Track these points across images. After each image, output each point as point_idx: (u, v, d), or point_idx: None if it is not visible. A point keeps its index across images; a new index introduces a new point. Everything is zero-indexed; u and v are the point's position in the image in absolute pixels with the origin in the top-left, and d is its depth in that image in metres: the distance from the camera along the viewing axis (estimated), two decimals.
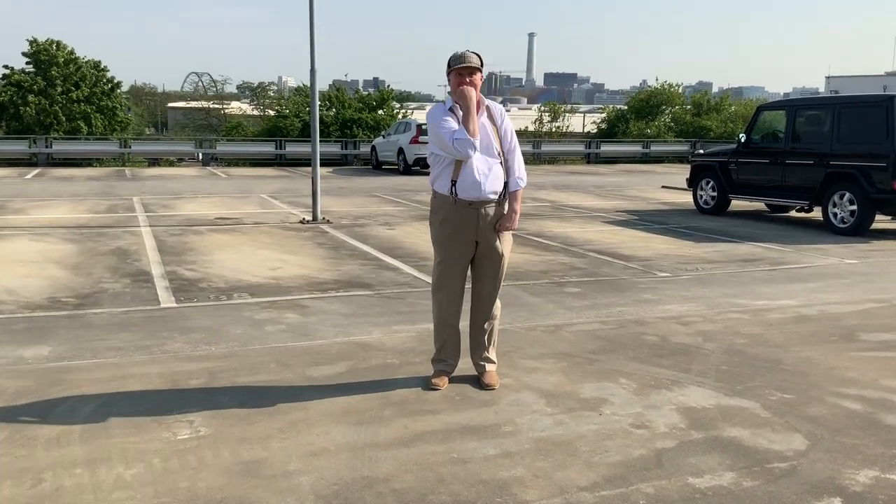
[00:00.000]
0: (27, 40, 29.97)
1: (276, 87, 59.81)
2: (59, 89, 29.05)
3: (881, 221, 10.93)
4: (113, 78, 31.70)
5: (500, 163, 4.15)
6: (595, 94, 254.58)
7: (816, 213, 11.48)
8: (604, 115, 37.03)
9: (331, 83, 37.70)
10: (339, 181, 19.26)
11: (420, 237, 9.52)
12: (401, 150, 21.76)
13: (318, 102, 11.60)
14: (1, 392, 4.11)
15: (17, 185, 17.31)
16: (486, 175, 4.09)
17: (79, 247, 8.75)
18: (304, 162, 23.97)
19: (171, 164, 27.63)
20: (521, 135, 32.05)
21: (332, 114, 28.90)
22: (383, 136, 24.12)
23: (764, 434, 3.68)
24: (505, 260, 4.27)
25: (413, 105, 42.71)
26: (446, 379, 4.32)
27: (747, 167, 12.28)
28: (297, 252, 8.65)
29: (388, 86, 33.63)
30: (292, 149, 26.25)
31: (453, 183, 4.08)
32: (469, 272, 4.32)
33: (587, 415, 3.89)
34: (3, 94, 29.12)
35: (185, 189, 16.63)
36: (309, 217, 11.37)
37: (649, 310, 6.14)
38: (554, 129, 33.86)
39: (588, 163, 29.00)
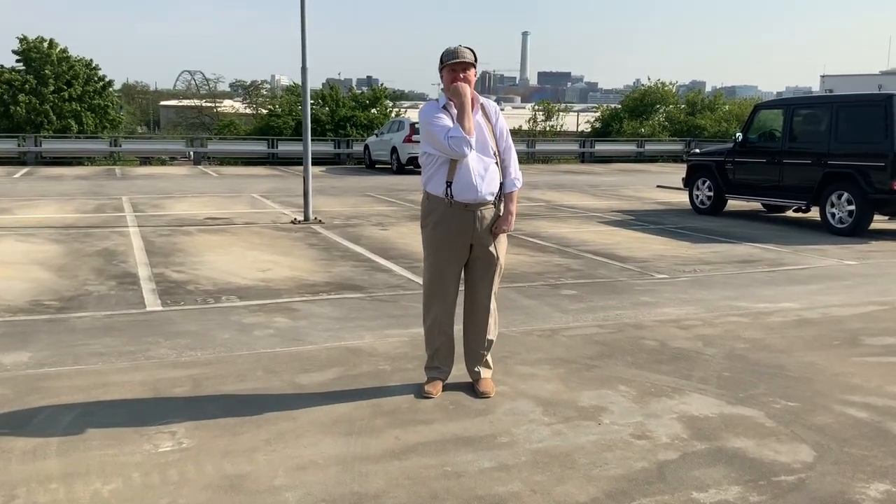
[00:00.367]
0: (17, 38, 29.72)
1: (268, 86, 59.55)
2: (52, 88, 28.79)
3: (879, 221, 10.82)
4: (104, 76, 31.49)
5: (496, 162, 4.01)
6: (589, 93, 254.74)
7: (813, 214, 11.37)
8: (598, 114, 36.91)
9: (324, 81, 37.52)
10: (331, 180, 19.09)
11: (414, 238, 9.37)
12: (394, 150, 21.61)
13: (310, 101, 11.44)
14: None
15: (4, 184, 17.09)
16: (483, 175, 3.94)
17: (65, 248, 8.57)
18: (297, 161, 23.76)
19: (162, 162, 27.41)
20: (516, 134, 31.85)
21: (326, 111, 28.71)
22: (377, 135, 23.95)
23: (769, 445, 3.55)
24: (501, 263, 4.12)
25: (406, 104, 42.48)
26: (440, 386, 4.17)
27: (744, 167, 12.16)
28: (287, 253, 8.49)
29: (382, 84, 33.29)
30: (285, 148, 26.06)
31: (448, 184, 3.92)
32: (463, 276, 4.18)
33: (586, 424, 3.75)
34: None
35: (175, 188, 16.44)
36: (300, 217, 11.21)
37: (647, 313, 6.01)
38: (548, 129, 33.74)
39: (582, 162, 28.89)
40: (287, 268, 7.64)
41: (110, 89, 32.04)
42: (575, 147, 30.25)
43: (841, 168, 10.52)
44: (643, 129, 32.61)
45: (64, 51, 30.08)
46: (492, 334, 4.23)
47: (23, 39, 29.62)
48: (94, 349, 4.86)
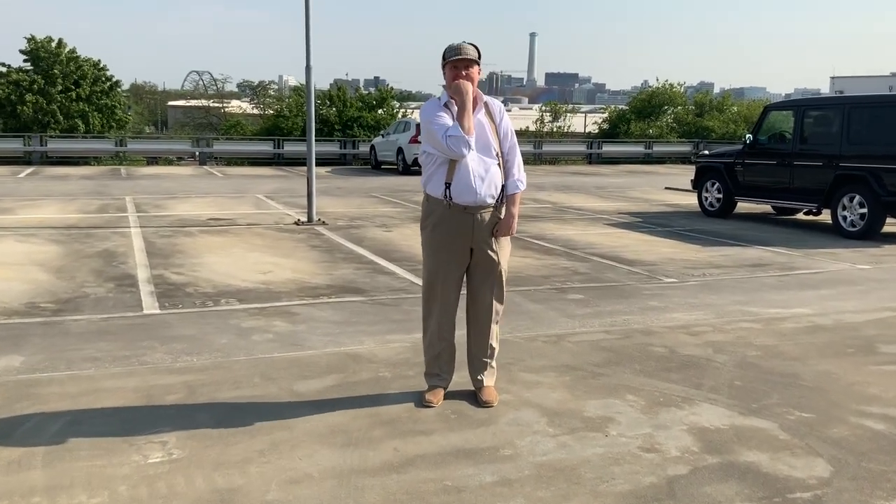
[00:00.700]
0: (25, 38, 29.73)
1: (276, 86, 59.55)
2: (59, 87, 28.79)
3: (892, 225, 10.64)
4: (112, 77, 31.49)
5: (499, 164, 3.86)
6: (596, 94, 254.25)
7: (824, 217, 11.20)
8: (605, 115, 36.72)
9: (331, 82, 37.44)
10: (336, 181, 18.97)
11: (417, 240, 9.15)
12: (400, 150, 21.48)
13: (314, 100, 11.32)
14: None
15: (9, 183, 17.03)
16: (483, 177, 3.80)
17: (65, 248, 8.47)
18: (303, 161, 23.39)
19: (169, 162, 27.36)
20: (522, 135, 31.78)
21: (333, 112, 28.61)
22: (382, 136, 23.84)
23: (783, 459, 3.40)
24: (502, 268, 3.97)
25: (413, 104, 42.35)
26: (441, 394, 4.04)
27: (754, 168, 11.99)
28: (289, 255, 8.36)
29: (389, 85, 33.22)
30: (290, 148, 25.96)
31: (447, 185, 3.79)
32: (465, 280, 4.04)
33: (592, 436, 3.61)
34: (1, 93, 28.86)
35: (179, 188, 16.35)
36: (304, 218, 11.09)
37: (656, 318, 5.86)
38: (555, 130, 33.57)
39: (590, 163, 28.71)
40: (288, 270, 7.52)
41: (118, 90, 32.06)
42: (582, 148, 30.07)
43: (853, 170, 10.34)
44: (651, 131, 32.40)
45: (72, 51, 30.10)
46: (495, 341, 4.09)
47: (31, 39, 29.65)
48: (87, 354, 4.74)
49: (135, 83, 72.46)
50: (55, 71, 28.83)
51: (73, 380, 4.27)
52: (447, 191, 3.79)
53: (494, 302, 4.02)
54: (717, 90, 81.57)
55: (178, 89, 74.10)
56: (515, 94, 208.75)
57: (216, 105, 52.78)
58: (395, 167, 22.01)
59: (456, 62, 3.80)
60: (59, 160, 24.43)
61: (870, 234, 10.11)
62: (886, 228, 10.31)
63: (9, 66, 29.44)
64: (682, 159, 29.15)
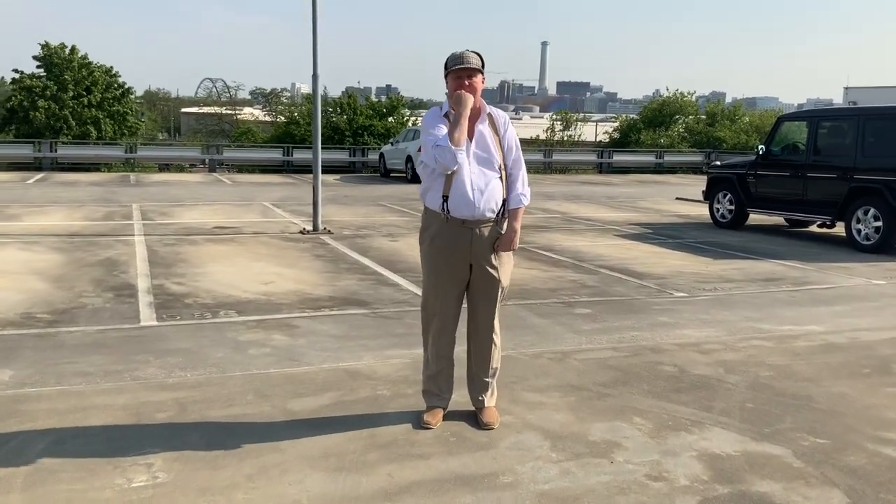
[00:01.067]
0: (39, 44, 29.89)
1: (289, 94, 59.70)
2: (71, 94, 28.89)
3: None
4: (124, 83, 31.59)
5: (500, 177, 3.72)
6: (608, 104, 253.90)
7: (838, 230, 10.99)
8: (616, 124, 36.54)
9: (343, 90, 37.45)
10: (345, 189, 18.87)
11: None
12: (409, 158, 21.36)
13: (319, 108, 11.22)
14: None
15: (17, 189, 17.01)
16: (483, 191, 3.65)
17: (66, 257, 8.38)
18: (312, 169, 23.58)
19: (181, 169, 27.37)
20: (533, 143, 31.62)
21: (344, 119, 28.56)
22: (392, 144, 23.74)
23: (798, 489, 3.23)
24: (502, 286, 3.81)
25: (424, 112, 42.33)
26: (440, 415, 3.89)
27: (766, 180, 11.80)
28: (293, 265, 8.24)
29: (400, 93, 33.18)
30: (300, 155, 25.87)
31: (444, 198, 3.64)
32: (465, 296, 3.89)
33: (597, 462, 3.45)
34: (14, 99, 28.99)
35: (187, 196, 16.29)
36: (310, 227, 10.98)
37: (665, 335, 5.69)
38: (566, 138, 33.41)
39: (600, 172, 28.50)
40: (291, 280, 7.39)
41: (130, 96, 32.15)
42: (593, 157, 29.87)
43: (868, 182, 10.15)
44: (662, 140, 32.19)
45: (84, 57, 30.21)
46: (496, 360, 3.94)
47: (44, 46, 29.79)
48: (79, 368, 4.62)
49: (149, 90, 72.98)
50: (66, 77, 28.93)
51: (62, 395, 4.14)
52: (444, 204, 3.65)
53: (493, 320, 3.87)
54: (728, 100, 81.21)
55: (191, 96, 74.51)
56: (527, 103, 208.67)
57: (229, 112, 52.96)
58: (404, 175, 21.91)
59: (459, 71, 3.66)
60: (69, 166, 24.43)
61: (885, 247, 9.91)
62: None
63: (21, 73, 29.61)
64: (693, 169, 28.92)
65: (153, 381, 4.40)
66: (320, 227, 10.88)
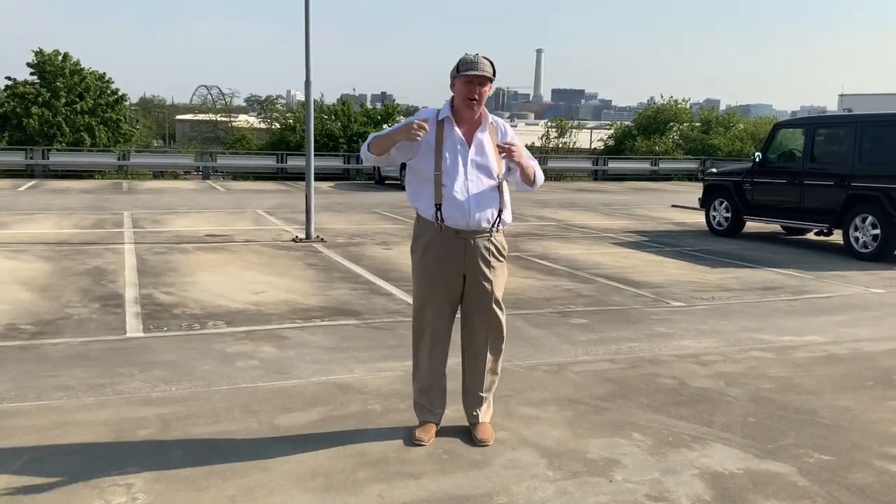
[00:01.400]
0: (32, 51, 29.74)
1: (284, 101, 59.61)
2: (63, 100, 28.73)
3: None
4: (117, 90, 31.44)
5: (499, 186, 3.60)
6: (602, 111, 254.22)
7: (835, 237, 10.90)
8: (611, 131, 36.50)
9: (338, 97, 37.41)
10: (338, 196, 18.75)
11: None
12: (403, 165, 21.23)
13: (312, 115, 11.10)
14: None
15: (7, 197, 16.84)
16: (478, 200, 3.53)
17: (53, 266, 8.23)
18: None
19: (176, 176, 27.22)
20: (528, 150, 31.46)
21: (338, 126, 28.46)
22: None
23: None
24: (495, 297, 3.68)
25: None
26: (433, 431, 3.76)
27: (763, 187, 11.72)
28: (284, 274, 8.11)
29: (395, 100, 33.13)
30: (294, 162, 25.70)
31: (438, 207, 3.52)
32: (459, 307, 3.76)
33: (595, 482, 3.32)
34: (6, 106, 28.82)
35: (179, 203, 16.14)
36: (302, 235, 10.84)
37: (663, 346, 5.58)
38: (561, 145, 33.35)
39: (595, 180, 28.43)
40: (282, 290, 7.26)
41: (124, 103, 31.99)
42: (588, 164, 29.79)
43: (865, 190, 10.07)
44: (657, 147, 32.15)
45: (76, 63, 30.06)
46: (491, 374, 3.81)
47: (38, 52, 29.64)
48: (61, 382, 4.47)
49: (143, 97, 72.85)
50: (58, 83, 28.78)
51: (41, 411, 4.01)
52: (438, 212, 3.52)
53: (490, 332, 3.75)
54: (723, 107, 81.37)
55: (186, 103, 74.35)
56: (522, 110, 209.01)
57: (224, 119, 52.85)
58: (399, 182, 21.79)
59: (471, 77, 3.48)
60: (62, 174, 24.26)
61: (882, 255, 9.82)
62: None
63: (14, 80, 29.45)
64: (688, 176, 28.86)
65: (136, 396, 4.26)
66: (313, 234, 10.75)
